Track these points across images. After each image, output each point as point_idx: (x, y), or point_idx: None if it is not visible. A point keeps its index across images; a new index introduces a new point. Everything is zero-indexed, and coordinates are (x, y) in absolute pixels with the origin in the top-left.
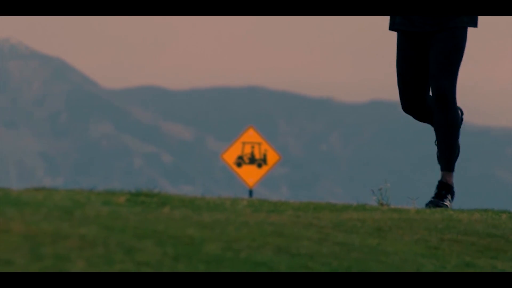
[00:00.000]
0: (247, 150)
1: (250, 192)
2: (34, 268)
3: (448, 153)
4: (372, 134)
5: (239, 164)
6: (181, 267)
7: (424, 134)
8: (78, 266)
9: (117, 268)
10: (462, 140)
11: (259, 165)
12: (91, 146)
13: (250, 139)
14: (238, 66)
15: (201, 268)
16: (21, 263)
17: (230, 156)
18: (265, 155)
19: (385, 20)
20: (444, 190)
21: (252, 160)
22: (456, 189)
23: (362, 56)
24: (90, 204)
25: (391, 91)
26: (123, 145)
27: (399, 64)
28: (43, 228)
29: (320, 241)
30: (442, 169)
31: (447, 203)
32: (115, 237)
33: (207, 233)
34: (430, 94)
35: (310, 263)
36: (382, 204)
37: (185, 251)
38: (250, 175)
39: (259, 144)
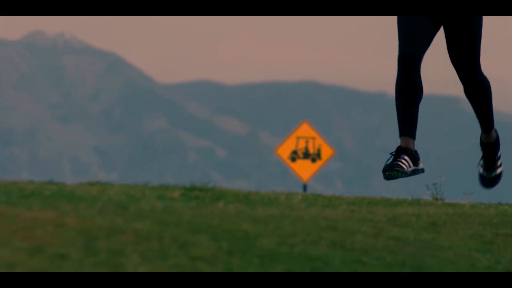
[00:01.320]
0: (301, 144)
1: (304, 187)
2: (89, 262)
3: (487, 113)
4: (426, 129)
5: (293, 159)
6: (236, 262)
7: (479, 129)
8: (133, 260)
9: (171, 262)
10: None
11: (313, 160)
12: (145, 141)
13: (304, 133)
14: (292, 61)
15: (256, 262)
16: (76, 257)
17: (285, 151)
18: (319, 150)
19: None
20: (491, 154)
21: (306, 155)
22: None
23: None
24: (145, 198)
25: (446, 86)
26: (177, 139)
27: (411, 19)
28: (98, 222)
29: (375, 235)
30: (484, 130)
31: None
32: (170, 231)
33: (261, 227)
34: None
35: (364, 258)
36: (436, 199)
37: (240, 245)
38: (305, 169)
39: (313, 138)
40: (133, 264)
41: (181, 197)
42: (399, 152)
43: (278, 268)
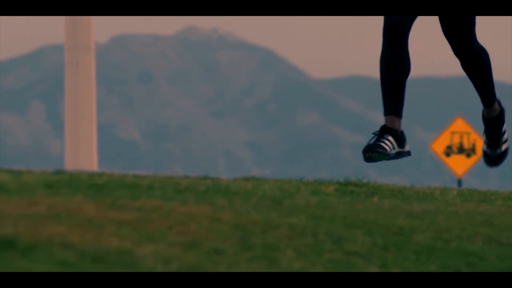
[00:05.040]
0: (456, 140)
1: (459, 182)
2: (244, 257)
3: (487, 86)
4: None
5: (447, 154)
6: (391, 257)
7: None
8: (288, 255)
9: (326, 257)
10: None
11: (468, 155)
12: (298, 136)
13: (459, 128)
14: (445, 56)
15: (411, 258)
16: (231, 252)
17: (439, 146)
18: (474, 145)
19: None
20: (494, 130)
21: (461, 150)
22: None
23: None
24: (299, 193)
25: None
26: (331, 135)
27: None
28: (253, 217)
29: None
30: (485, 105)
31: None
32: (324, 226)
33: (416, 223)
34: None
35: None
36: None
37: (395, 240)
38: (459, 164)
39: (468, 133)
40: (288, 259)
41: (336, 192)
42: (383, 132)
43: (434, 264)
